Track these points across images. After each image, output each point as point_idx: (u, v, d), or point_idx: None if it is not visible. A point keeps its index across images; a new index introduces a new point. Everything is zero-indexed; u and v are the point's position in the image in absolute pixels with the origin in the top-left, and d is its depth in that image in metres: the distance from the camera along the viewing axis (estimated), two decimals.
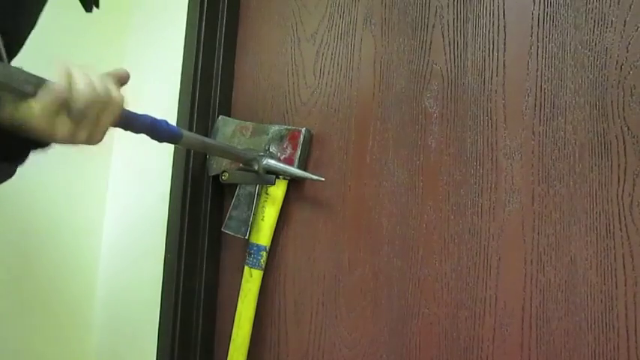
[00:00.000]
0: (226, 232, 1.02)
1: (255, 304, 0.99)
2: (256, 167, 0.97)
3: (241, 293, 0.99)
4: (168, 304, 1.08)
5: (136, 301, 1.21)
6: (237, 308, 0.99)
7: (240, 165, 1.01)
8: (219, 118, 1.11)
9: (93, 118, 0.54)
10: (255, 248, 0.99)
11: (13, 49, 0.59)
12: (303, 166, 0.99)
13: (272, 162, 0.97)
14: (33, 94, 0.50)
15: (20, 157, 0.58)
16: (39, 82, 0.51)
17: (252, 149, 1.00)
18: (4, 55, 0.51)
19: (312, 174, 0.94)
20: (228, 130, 1.08)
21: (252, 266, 0.99)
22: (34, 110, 0.50)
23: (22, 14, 0.62)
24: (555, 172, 0.74)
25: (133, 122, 0.63)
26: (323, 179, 0.93)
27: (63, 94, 0.51)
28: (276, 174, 0.98)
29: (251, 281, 0.99)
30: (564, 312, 0.71)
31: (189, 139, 0.77)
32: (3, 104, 0.50)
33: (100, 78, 0.56)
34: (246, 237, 0.98)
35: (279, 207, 1.00)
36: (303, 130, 0.99)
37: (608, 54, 0.71)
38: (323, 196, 0.98)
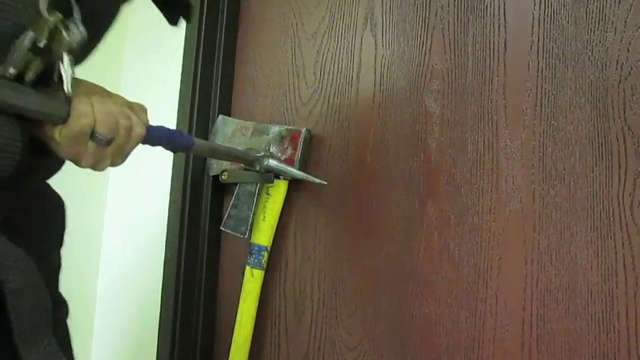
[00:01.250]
0: (225, 230, 1.02)
1: (257, 304, 0.99)
2: (258, 168, 0.97)
3: (243, 293, 0.99)
4: (169, 303, 1.08)
5: (136, 301, 1.21)
6: (239, 308, 0.99)
7: (242, 165, 1.02)
8: (219, 117, 1.11)
9: (116, 147, 0.56)
10: (256, 248, 0.99)
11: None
12: (304, 166, 0.99)
13: (274, 162, 0.96)
14: (61, 123, 0.51)
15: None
16: (67, 112, 0.51)
17: (253, 149, 1.00)
18: (67, 79, 0.51)
19: (315, 177, 0.94)
20: (229, 129, 1.08)
21: (254, 266, 0.99)
22: (60, 139, 0.51)
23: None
24: (556, 172, 0.74)
25: (151, 138, 0.64)
26: (325, 182, 0.93)
27: (89, 127, 0.52)
28: (278, 174, 0.98)
29: (252, 281, 0.99)
30: (565, 312, 0.71)
31: (199, 147, 0.79)
32: (32, 129, 0.51)
33: (122, 107, 0.57)
34: (246, 236, 0.98)
35: (280, 207, 1.00)
36: (304, 130, 0.99)
37: (608, 54, 0.71)
38: (323, 196, 0.98)
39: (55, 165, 0.60)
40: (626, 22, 0.70)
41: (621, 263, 0.68)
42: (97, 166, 0.56)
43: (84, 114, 0.52)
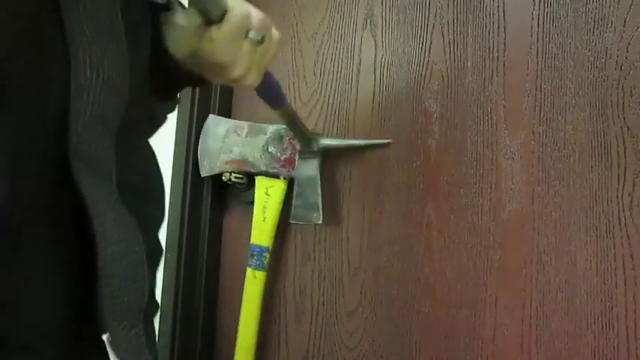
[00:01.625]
0: (296, 222, 0.97)
1: (260, 306, 0.97)
2: (315, 148, 0.93)
3: (245, 295, 0.98)
4: (169, 304, 1.08)
5: None
6: (242, 310, 0.98)
7: (235, 166, 1.01)
8: (210, 117, 1.09)
9: (264, 50, 0.54)
10: (257, 250, 0.98)
11: None
12: None
13: (329, 140, 0.94)
14: (218, 19, 0.48)
15: (170, 96, 0.56)
16: (224, 6, 0.49)
17: (308, 135, 0.96)
18: None
19: (377, 138, 0.92)
20: (221, 129, 1.07)
21: (256, 268, 0.98)
22: (218, 36, 0.48)
23: None
24: (555, 172, 0.74)
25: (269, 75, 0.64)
26: (389, 141, 0.90)
27: (247, 22, 0.51)
28: (337, 150, 0.95)
29: (255, 283, 0.97)
30: (564, 312, 0.71)
31: (285, 108, 0.81)
32: (186, 32, 0.48)
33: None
34: (320, 221, 0.93)
35: (280, 207, 0.99)
36: None
37: (607, 54, 0.72)
38: (323, 195, 0.98)
39: (163, 117, 0.56)
40: (625, 22, 0.71)
41: (620, 263, 0.68)
42: (247, 74, 0.53)
43: (242, 7, 0.50)
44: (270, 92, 0.72)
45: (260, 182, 1.01)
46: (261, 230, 0.99)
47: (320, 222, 0.92)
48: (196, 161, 1.10)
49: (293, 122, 0.88)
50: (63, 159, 0.37)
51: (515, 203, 0.77)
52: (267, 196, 0.99)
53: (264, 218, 0.99)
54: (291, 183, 1.00)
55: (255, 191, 1.01)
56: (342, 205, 0.96)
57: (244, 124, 1.05)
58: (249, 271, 0.98)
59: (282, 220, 1.01)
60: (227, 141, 1.05)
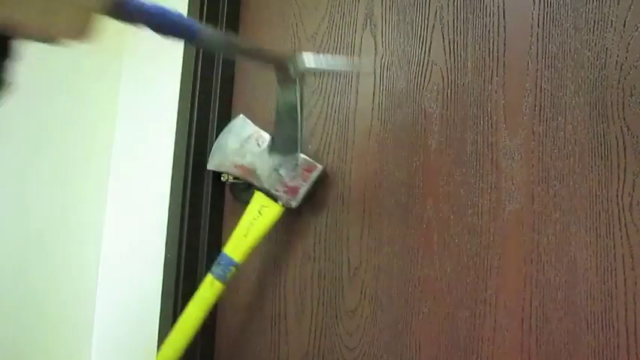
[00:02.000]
0: (274, 154, 0.92)
1: (206, 315, 0.93)
2: (293, 72, 0.78)
3: (195, 298, 0.93)
4: (168, 305, 1.08)
5: (135, 302, 1.21)
6: (186, 311, 0.93)
7: (242, 172, 1.00)
8: (240, 116, 1.07)
9: None
10: (226, 260, 0.93)
11: None
12: (305, 200, 0.95)
13: (312, 62, 0.79)
14: None
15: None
16: None
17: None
18: None
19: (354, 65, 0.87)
20: (245, 133, 1.04)
21: (217, 277, 0.93)
22: None
23: None
24: (555, 172, 0.74)
25: (128, 7, 0.48)
26: (371, 72, 0.88)
27: None
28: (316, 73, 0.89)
29: (210, 290, 0.92)
30: (564, 312, 0.71)
31: (206, 37, 0.61)
32: None
33: None
34: (300, 154, 0.86)
35: (267, 231, 0.96)
36: (320, 167, 0.95)
37: (607, 54, 0.72)
38: (323, 195, 0.98)
39: None
40: (625, 22, 0.71)
41: (620, 263, 0.68)
42: (48, 26, 0.37)
43: None
44: (154, 19, 0.52)
45: (257, 198, 0.97)
46: (238, 244, 0.94)
47: (298, 159, 0.86)
48: (196, 161, 1.10)
49: (243, 51, 0.75)
50: None
51: (515, 203, 0.77)
52: (259, 214, 0.95)
53: (247, 234, 0.95)
54: (286, 212, 0.97)
55: (250, 204, 0.97)
56: (342, 205, 0.96)
57: (267, 137, 1.01)
58: (209, 276, 0.93)
59: (281, 221, 1.01)
60: (245, 146, 1.01)
